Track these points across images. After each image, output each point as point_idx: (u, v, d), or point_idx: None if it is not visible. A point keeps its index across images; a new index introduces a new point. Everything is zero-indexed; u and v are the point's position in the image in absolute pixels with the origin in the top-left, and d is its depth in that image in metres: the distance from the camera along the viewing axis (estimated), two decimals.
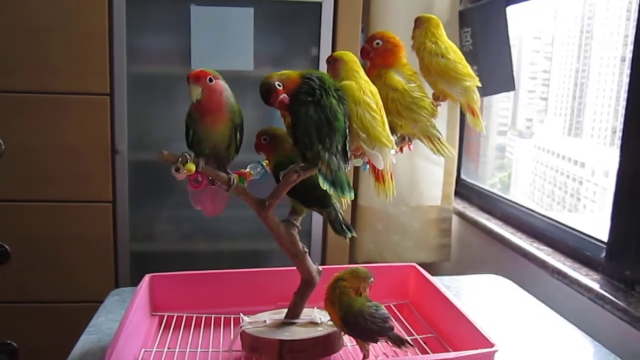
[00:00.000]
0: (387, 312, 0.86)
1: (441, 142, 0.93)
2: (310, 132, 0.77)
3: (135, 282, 1.07)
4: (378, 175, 0.82)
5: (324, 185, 0.76)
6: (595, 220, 1.69)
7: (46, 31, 1.57)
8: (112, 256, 1.70)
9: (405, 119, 0.91)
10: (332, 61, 0.88)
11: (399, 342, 0.85)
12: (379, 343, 0.91)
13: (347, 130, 0.80)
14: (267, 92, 0.80)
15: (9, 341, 1.70)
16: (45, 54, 1.58)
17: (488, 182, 2.15)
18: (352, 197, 0.79)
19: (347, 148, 0.80)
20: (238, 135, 0.86)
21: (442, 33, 0.97)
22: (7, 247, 1.65)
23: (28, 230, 1.66)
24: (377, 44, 0.94)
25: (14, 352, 1.70)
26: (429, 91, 0.96)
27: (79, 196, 1.66)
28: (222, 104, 0.82)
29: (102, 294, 1.20)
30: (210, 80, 0.81)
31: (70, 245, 1.67)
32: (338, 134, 0.78)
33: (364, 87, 0.83)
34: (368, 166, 0.85)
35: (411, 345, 0.87)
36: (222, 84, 0.83)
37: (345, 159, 0.79)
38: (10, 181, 1.63)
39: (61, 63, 1.59)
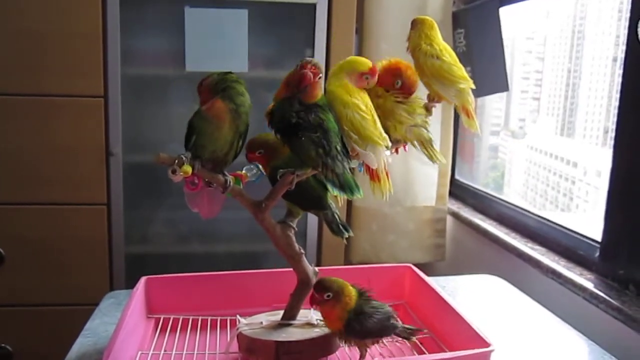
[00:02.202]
0: (390, 309, 0.86)
1: (433, 148, 0.93)
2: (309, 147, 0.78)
3: (130, 284, 1.07)
4: (373, 175, 0.82)
5: (334, 191, 0.77)
6: (587, 219, 1.70)
7: (40, 33, 1.56)
8: (107, 258, 1.70)
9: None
10: None
11: (407, 336, 0.86)
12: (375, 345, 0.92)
13: (340, 130, 0.81)
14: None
15: (3, 345, 1.69)
16: (39, 56, 1.58)
17: (481, 182, 2.16)
18: (362, 195, 0.79)
19: (345, 147, 0.80)
20: (241, 142, 0.86)
21: (437, 35, 0.97)
22: (1, 250, 1.65)
23: (22, 233, 1.65)
24: (398, 83, 0.92)
25: (9, 355, 1.69)
26: (424, 92, 0.96)
27: (73, 198, 1.65)
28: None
29: (96, 297, 1.20)
30: None
31: (64, 248, 1.67)
32: (333, 135, 0.79)
33: (351, 90, 0.84)
34: (363, 167, 0.86)
35: (421, 330, 0.88)
36: None
37: (347, 158, 0.79)
38: (5, 184, 1.63)
39: (55, 65, 1.58)
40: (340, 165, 0.77)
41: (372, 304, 0.85)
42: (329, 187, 0.77)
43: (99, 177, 1.65)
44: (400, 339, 0.90)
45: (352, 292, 0.84)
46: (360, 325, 0.82)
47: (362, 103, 0.83)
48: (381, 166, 0.81)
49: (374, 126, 0.82)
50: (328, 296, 0.83)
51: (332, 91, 0.84)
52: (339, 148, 0.79)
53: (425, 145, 0.92)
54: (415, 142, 0.93)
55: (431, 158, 0.92)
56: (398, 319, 0.87)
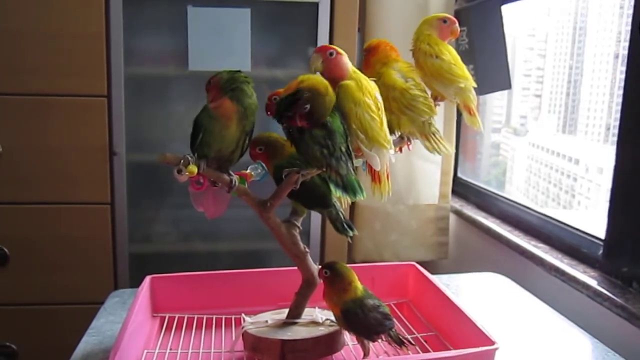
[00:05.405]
0: (387, 309, 0.87)
1: (437, 139, 0.93)
2: (313, 145, 0.78)
3: (134, 283, 1.07)
4: (374, 175, 0.82)
5: (337, 192, 0.77)
6: (589, 216, 1.70)
7: (43, 33, 1.56)
8: (111, 258, 1.70)
9: (406, 115, 0.91)
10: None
11: (399, 342, 0.86)
12: (380, 342, 0.92)
13: (345, 131, 0.81)
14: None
15: (8, 343, 1.69)
16: (42, 55, 1.58)
17: (483, 179, 2.16)
18: (365, 197, 0.79)
19: (350, 148, 0.80)
20: (247, 141, 0.87)
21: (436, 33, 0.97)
22: (5, 249, 1.65)
23: (26, 232, 1.65)
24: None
25: (14, 354, 1.69)
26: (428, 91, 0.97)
27: (77, 198, 1.66)
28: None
29: (101, 296, 1.20)
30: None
31: (68, 247, 1.67)
32: (338, 136, 0.79)
33: (363, 87, 0.84)
34: (366, 167, 0.86)
35: (412, 343, 0.87)
36: None
37: (351, 160, 0.80)
38: (8, 183, 1.63)
39: (58, 64, 1.58)
40: (344, 166, 0.78)
41: (374, 300, 0.86)
42: (332, 188, 0.77)
43: (102, 177, 1.66)
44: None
45: (356, 282, 0.86)
46: (357, 316, 0.83)
47: (373, 102, 0.82)
48: (383, 168, 0.82)
49: (381, 128, 0.82)
50: (326, 272, 0.86)
51: (346, 86, 0.83)
52: (343, 149, 0.78)
53: (429, 137, 0.93)
54: (420, 137, 0.93)
55: (435, 150, 0.93)
56: (394, 322, 0.88)
